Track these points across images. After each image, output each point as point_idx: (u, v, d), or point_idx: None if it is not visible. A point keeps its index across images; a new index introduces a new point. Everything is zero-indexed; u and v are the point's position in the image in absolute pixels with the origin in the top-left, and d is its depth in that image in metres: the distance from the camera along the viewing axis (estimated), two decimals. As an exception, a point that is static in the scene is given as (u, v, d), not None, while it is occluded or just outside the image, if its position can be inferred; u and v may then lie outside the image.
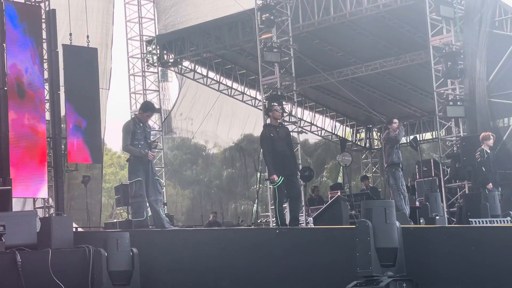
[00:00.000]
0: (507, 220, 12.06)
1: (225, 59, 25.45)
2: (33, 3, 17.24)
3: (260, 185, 20.24)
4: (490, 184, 14.27)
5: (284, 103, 20.16)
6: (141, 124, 11.83)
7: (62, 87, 17.65)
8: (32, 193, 16.77)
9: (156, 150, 12.20)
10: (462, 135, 17.95)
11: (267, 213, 21.74)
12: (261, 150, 11.63)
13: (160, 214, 11.68)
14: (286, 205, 12.10)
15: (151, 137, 12.18)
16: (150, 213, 12.29)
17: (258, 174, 19.77)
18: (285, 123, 18.76)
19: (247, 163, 28.22)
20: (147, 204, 11.92)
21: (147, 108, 12.06)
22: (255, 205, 20.68)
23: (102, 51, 22.26)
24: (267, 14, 20.27)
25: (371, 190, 20.86)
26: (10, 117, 16.02)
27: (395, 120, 14.42)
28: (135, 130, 11.75)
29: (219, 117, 27.25)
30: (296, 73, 21.14)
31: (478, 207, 13.01)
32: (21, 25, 16.57)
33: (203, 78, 26.10)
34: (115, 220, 22.39)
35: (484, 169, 14.47)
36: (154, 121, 23.93)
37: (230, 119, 27.62)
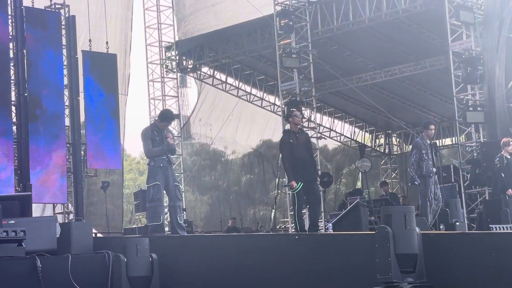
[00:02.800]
0: (528, 226, 12.00)
1: (244, 65, 25.46)
2: (53, 10, 17.34)
3: (278, 191, 20.25)
4: (510, 190, 14.16)
5: (303, 108, 20.13)
6: (159, 131, 11.86)
7: (82, 93, 17.73)
8: (51, 199, 16.84)
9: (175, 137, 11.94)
10: (482, 141, 17.87)
11: (285, 219, 21.71)
12: (280, 156, 11.61)
13: (175, 222, 11.68)
14: (305, 210, 12.09)
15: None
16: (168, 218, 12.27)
17: (277, 180, 19.74)
18: (304, 129, 18.73)
19: (266, 169, 28.18)
20: (164, 209, 11.92)
21: (163, 118, 12.04)
22: (273, 211, 20.66)
23: (121, 57, 22.34)
24: (286, 20, 20.27)
25: (390, 196, 20.79)
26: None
27: (432, 126, 13.16)
28: (153, 136, 11.77)
29: (238, 122, 27.24)
30: (315, 78, 21.11)
31: (498, 213, 12.97)
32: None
33: (222, 84, 26.12)
34: (134, 226, 22.47)
35: (503, 175, 14.39)
36: (173, 127, 23.95)
37: (249, 125, 27.60)
